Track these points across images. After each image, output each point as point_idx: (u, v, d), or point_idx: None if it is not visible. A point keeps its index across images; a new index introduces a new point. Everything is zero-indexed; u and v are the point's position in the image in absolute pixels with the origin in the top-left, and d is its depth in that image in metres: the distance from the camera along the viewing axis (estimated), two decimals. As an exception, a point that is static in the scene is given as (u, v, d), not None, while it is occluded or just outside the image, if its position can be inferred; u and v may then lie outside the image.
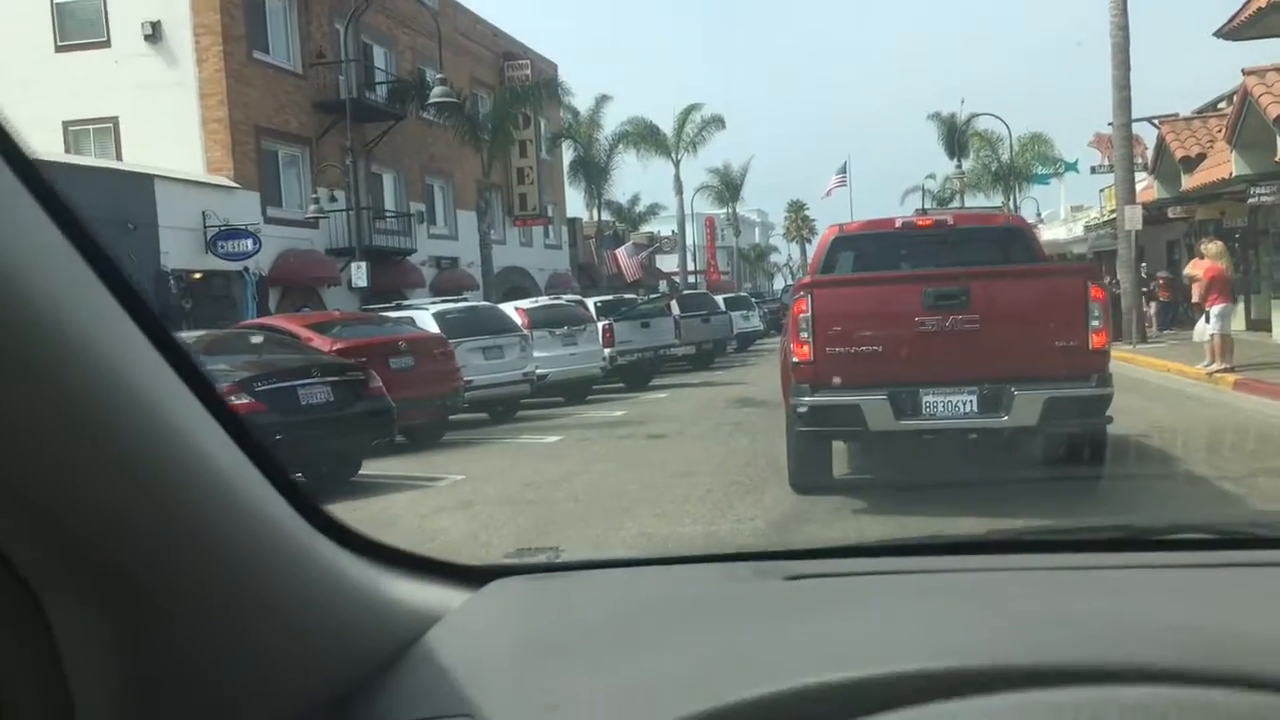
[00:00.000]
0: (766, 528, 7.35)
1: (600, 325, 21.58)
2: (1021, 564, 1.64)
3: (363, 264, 24.27)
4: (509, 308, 20.04)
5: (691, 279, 66.07)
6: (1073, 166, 51.43)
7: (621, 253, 51.72)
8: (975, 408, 7.54)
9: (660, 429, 14.29)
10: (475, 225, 37.57)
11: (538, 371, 18.77)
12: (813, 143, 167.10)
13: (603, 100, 48.70)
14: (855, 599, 1.47)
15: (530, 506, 8.70)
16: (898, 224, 9.66)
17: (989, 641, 1.16)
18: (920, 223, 9.77)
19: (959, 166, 48.13)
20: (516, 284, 38.83)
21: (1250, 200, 20.56)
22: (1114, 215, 33.87)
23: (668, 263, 65.26)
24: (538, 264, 43.32)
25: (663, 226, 69.59)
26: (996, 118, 46.27)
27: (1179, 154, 24.58)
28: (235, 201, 24.09)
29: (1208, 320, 16.10)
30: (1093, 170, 33.42)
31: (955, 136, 53.42)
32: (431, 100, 24.55)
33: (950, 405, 7.59)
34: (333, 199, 27.40)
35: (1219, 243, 16.45)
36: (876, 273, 9.06)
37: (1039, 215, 52.24)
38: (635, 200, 72.38)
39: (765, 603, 1.48)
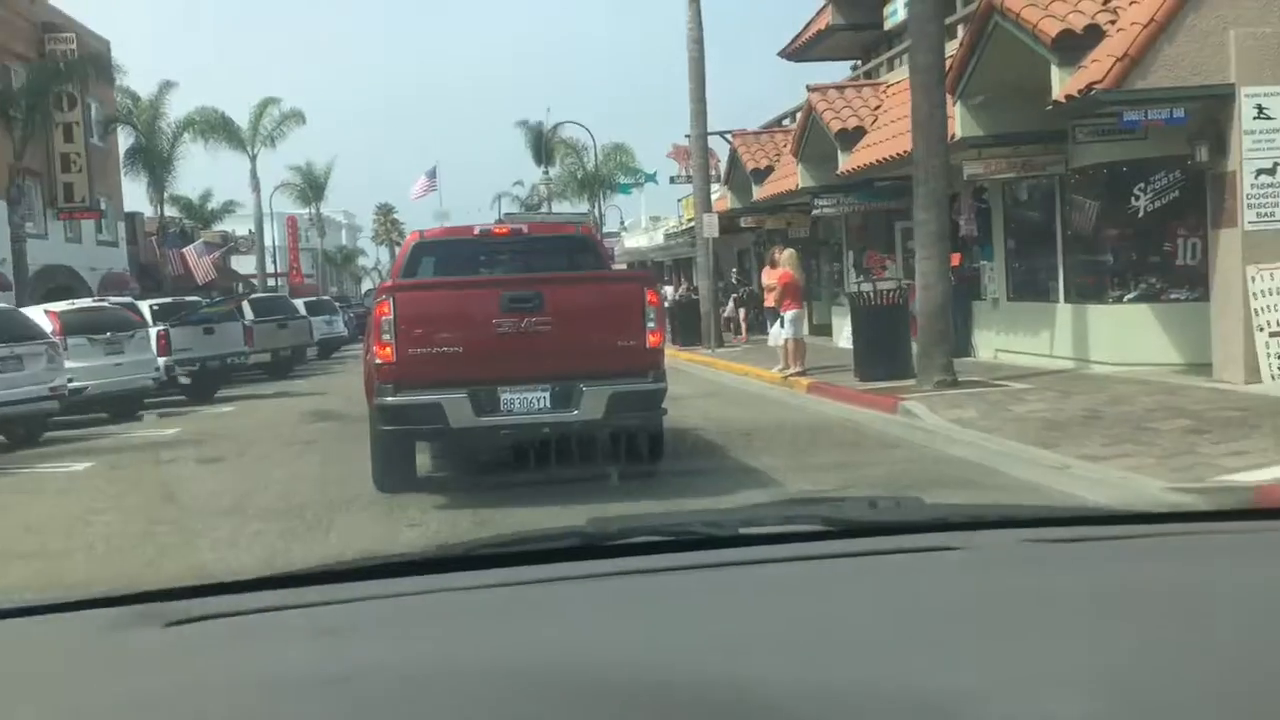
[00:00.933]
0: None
1: (154, 331, 19.04)
2: (469, 582, 1.63)
3: None
4: (37, 311, 17.10)
5: (272, 282, 62.33)
6: (651, 177, 53.48)
7: (190, 252, 47.45)
8: (548, 404, 8.09)
9: (217, 450, 12.46)
10: (4, 216, 32.89)
11: (71, 384, 16.13)
12: (404, 145, 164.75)
13: (167, 86, 44.63)
14: (236, 641, 1.44)
15: (22, 562, 6.82)
16: (476, 231, 10.15)
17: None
18: (498, 231, 10.46)
19: (546, 173, 48.59)
20: (62, 284, 34.19)
21: (814, 212, 21.73)
22: (692, 224, 35.33)
23: (246, 264, 61.05)
24: (88, 262, 38.53)
25: (240, 225, 65.22)
26: (581, 126, 47.19)
27: (750, 166, 25.71)
28: None
29: (782, 325, 16.58)
30: (671, 180, 34.69)
31: (542, 144, 54.04)
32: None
33: (526, 402, 8.08)
34: None
35: (791, 250, 17.04)
36: (456, 277, 9.38)
37: (622, 223, 54.06)
38: (207, 196, 67.42)
39: (133, 656, 1.41)
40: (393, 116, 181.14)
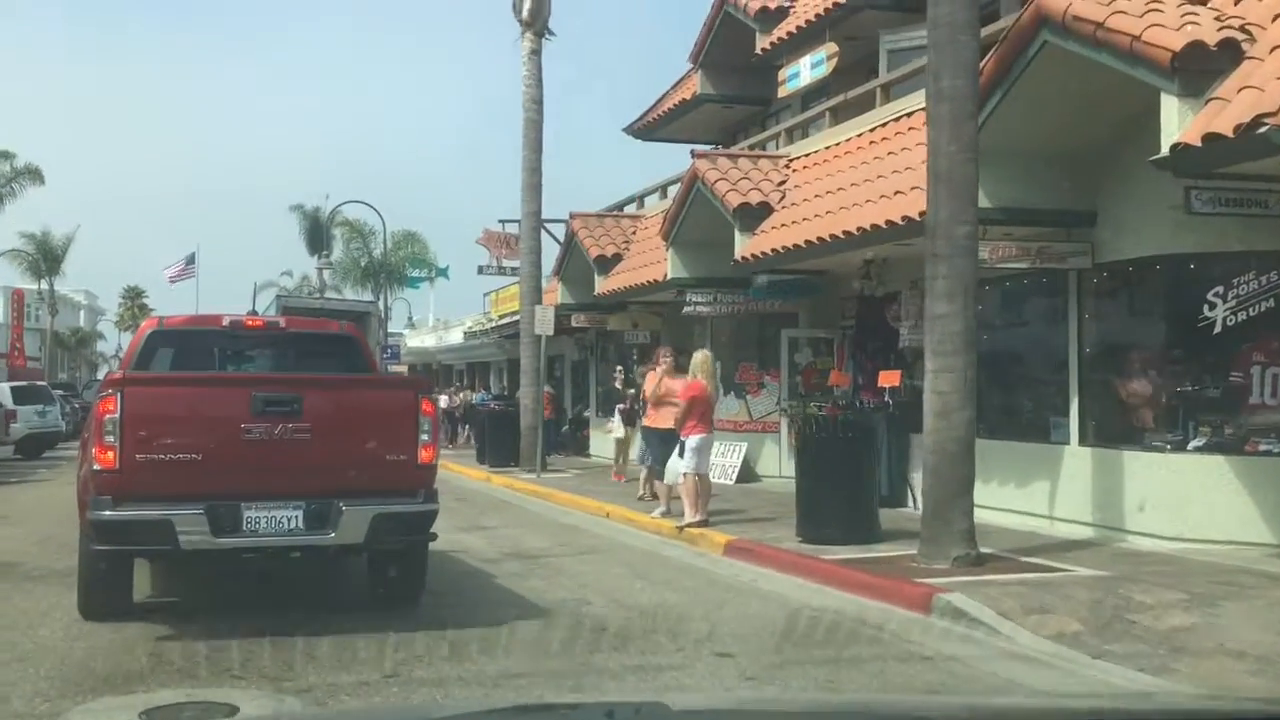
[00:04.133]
0: None
1: None
2: None
3: None
4: None
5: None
6: (444, 272, 48.79)
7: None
8: (301, 524, 7.13)
9: None
10: None
11: None
12: (163, 226, 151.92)
13: None
14: None
15: None
16: (225, 322, 9.04)
17: None
18: (250, 323, 9.41)
19: (326, 255, 42.77)
20: None
21: (686, 309, 17.48)
22: (502, 320, 30.55)
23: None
24: None
25: (-49, 295, 56.01)
26: (369, 206, 41.99)
27: (593, 252, 21.34)
28: None
29: (680, 454, 12.01)
30: (480, 270, 29.97)
31: (320, 230, 48.36)
32: None
33: (274, 521, 7.08)
34: None
35: (705, 353, 12.56)
36: (200, 373, 8.57)
37: (410, 319, 48.65)
38: (-89, 259, 58.15)
39: None
40: (151, 193, 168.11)
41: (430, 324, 49.53)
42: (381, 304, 38.99)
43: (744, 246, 15.09)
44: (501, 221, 30.59)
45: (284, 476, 7.13)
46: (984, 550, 9.09)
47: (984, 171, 9.34)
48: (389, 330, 40.17)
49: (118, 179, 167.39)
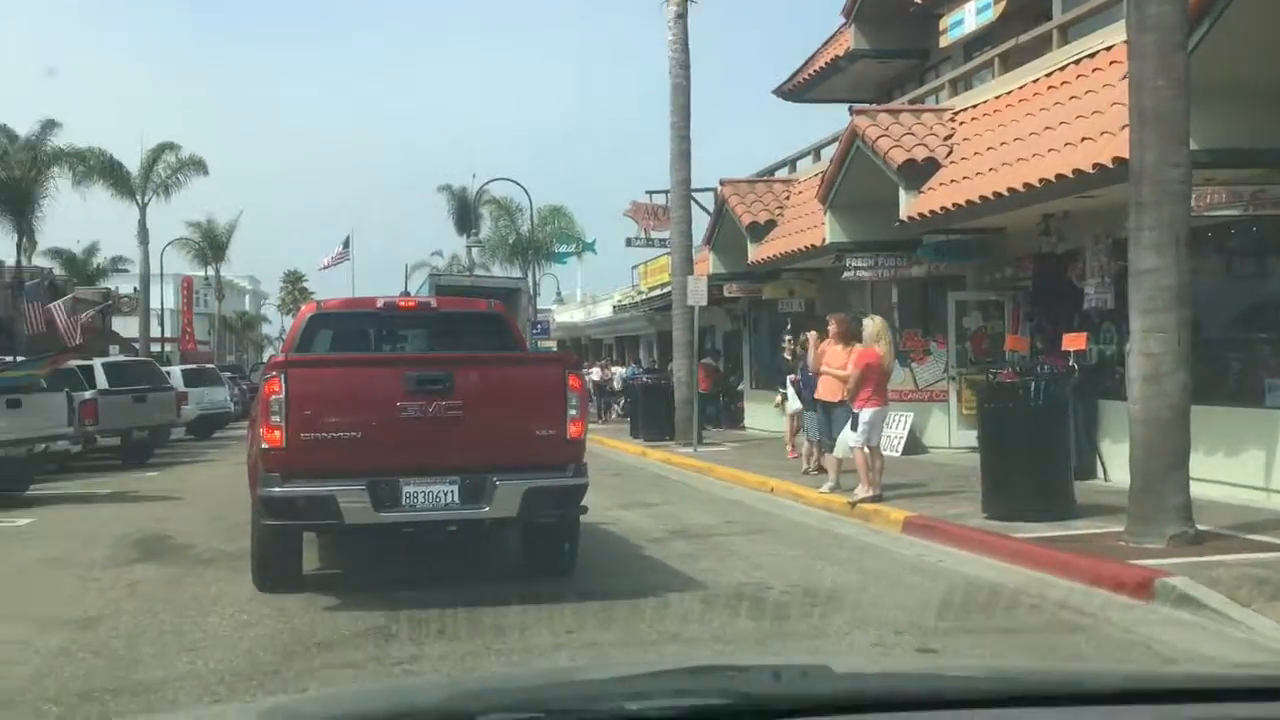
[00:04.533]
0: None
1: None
2: None
3: None
4: None
5: (158, 347, 55.72)
6: (590, 246, 48.66)
7: (57, 308, 40.99)
8: (457, 498, 7.27)
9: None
10: None
11: None
12: (318, 210, 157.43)
13: (50, 125, 38.58)
14: None
15: None
16: (379, 304, 9.35)
17: None
18: (403, 304, 9.76)
19: (475, 233, 43.06)
20: (-117, 339, 27.78)
21: (845, 275, 16.72)
22: (651, 293, 30.21)
23: (132, 327, 54.32)
24: (-77, 314, 32.09)
25: (129, 284, 58.69)
26: (515, 183, 42.08)
27: (746, 220, 20.71)
28: None
29: (853, 426, 11.37)
30: (628, 242, 29.68)
31: (468, 210, 48.86)
32: None
33: (431, 496, 7.24)
34: None
35: (880, 319, 11.86)
36: (358, 354, 8.85)
37: (559, 294, 48.82)
38: (93, 250, 61.01)
39: None
40: (308, 179, 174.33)
41: (578, 299, 49.63)
42: (530, 280, 39.12)
43: (910, 206, 14.26)
44: (649, 193, 30.26)
45: (439, 452, 7.25)
46: (1201, 528, 8.22)
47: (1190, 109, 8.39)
48: (538, 306, 40.34)
49: (275, 167, 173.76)
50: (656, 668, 2.39)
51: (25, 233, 38.20)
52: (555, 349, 35.68)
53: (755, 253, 20.54)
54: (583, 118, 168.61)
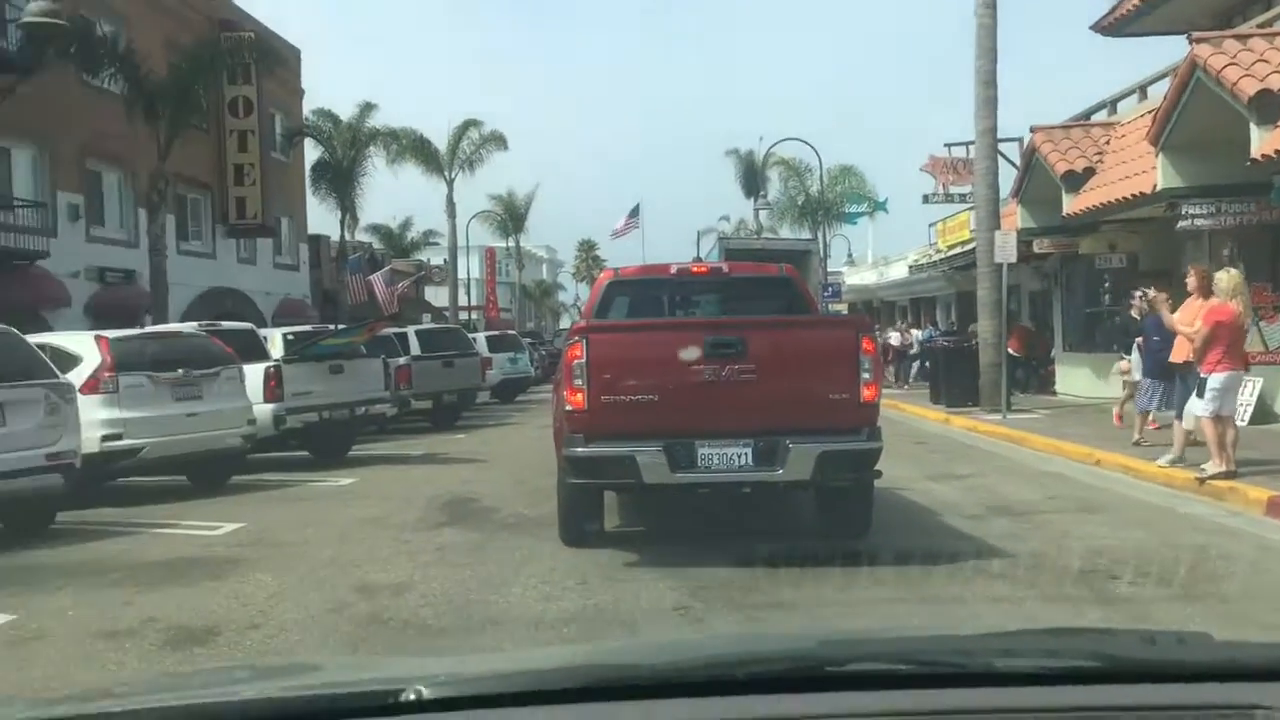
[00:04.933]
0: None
1: (260, 369, 14.03)
2: (677, 714, 1.51)
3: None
4: (79, 337, 12.30)
5: (465, 315, 58.81)
6: (882, 205, 47.04)
7: (377, 279, 43.79)
8: (751, 460, 7.37)
9: (242, 580, 6.96)
10: (172, 231, 29.34)
11: (121, 444, 11.24)
12: (607, 178, 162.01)
13: (368, 108, 41.26)
14: None
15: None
16: (673, 270, 9.66)
17: None
18: (696, 270, 10.02)
19: (764, 195, 42.55)
20: (230, 309, 30.49)
21: (1181, 224, 15.00)
22: (953, 251, 28.71)
23: (441, 296, 57.60)
24: (263, 286, 34.99)
25: (439, 257, 62.27)
26: (805, 143, 41.10)
27: (1061, 168, 19.09)
28: None
29: (1200, 393, 10.06)
30: (925, 199, 28.26)
31: (754, 173, 48.39)
32: (24, 19, 16.51)
33: (726, 458, 7.37)
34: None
35: (1234, 273, 10.45)
36: (652, 319, 9.02)
37: (850, 256, 47.61)
38: (407, 224, 65.11)
39: None
40: (598, 150, 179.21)
41: (869, 260, 48.22)
42: (820, 242, 38.20)
43: (1265, 143, 12.52)
44: (947, 145, 28.69)
45: (733, 415, 7.34)
46: None
47: None
48: (828, 268, 39.38)
49: (566, 137, 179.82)
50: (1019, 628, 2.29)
51: (348, 209, 41.00)
52: (846, 312, 34.72)
53: (1071, 204, 18.90)
54: (869, 71, 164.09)
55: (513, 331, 37.87)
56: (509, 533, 8.85)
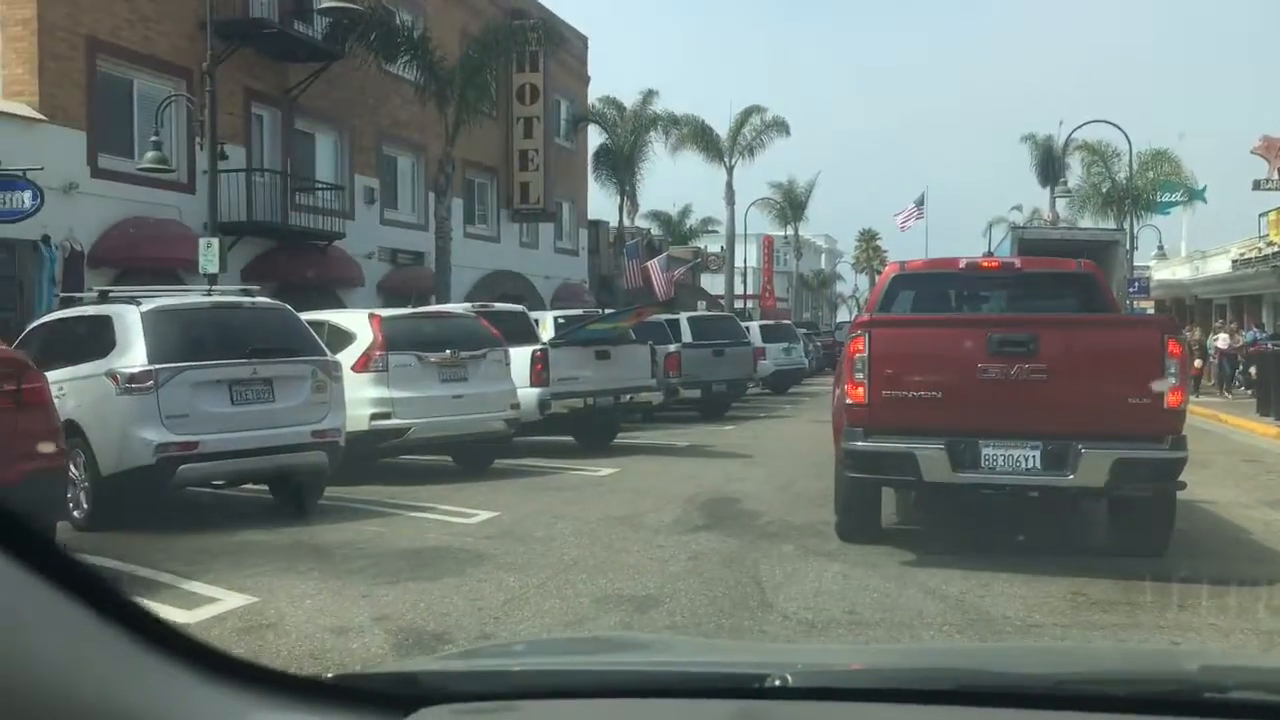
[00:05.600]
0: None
1: (526, 352, 13.83)
2: None
3: (214, 241, 16.75)
4: (354, 315, 12.41)
5: (741, 304, 58.36)
6: (1201, 195, 42.77)
7: (654, 265, 43.95)
8: (1038, 464, 7.04)
9: (483, 572, 6.46)
10: (460, 214, 30.36)
11: (389, 423, 11.26)
12: (891, 168, 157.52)
13: (651, 95, 41.49)
14: None
15: None
16: (961, 264, 9.39)
17: None
18: (985, 264, 9.72)
19: (1065, 185, 39.46)
20: (510, 292, 31.26)
21: None
22: (1287, 245, 25.45)
23: (717, 284, 57.46)
24: (543, 270, 35.73)
25: (716, 244, 62.22)
26: (1114, 125, 37.75)
27: None
28: (41, 140, 16.74)
29: None
30: (1256, 185, 25.10)
31: (1052, 160, 45.18)
32: (324, 4, 17.06)
33: (1011, 460, 7.06)
34: (223, 155, 20.07)
35: None
36: (939, 314, 8.89)
37: (1160, 248, 43.61)
38: (686, 212, 65.42)
39: None
40: (880, 136, 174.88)
41: (1182, 253, 44.03)
42: (1127, 233, 35.04)
43: None
44: (1286, 123, 25.34)
45: (1021, 416, 7.09)
46: None
47: None
48: (1133, 262, 36.12)
49: (846, 122, 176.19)
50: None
51: (627, 195, 41.28)
52: (1152, 310, 31.66)
53: None
54: (1196, 41, 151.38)
55: (788, 321, 36.93)
56: (770, 543, 8.02)
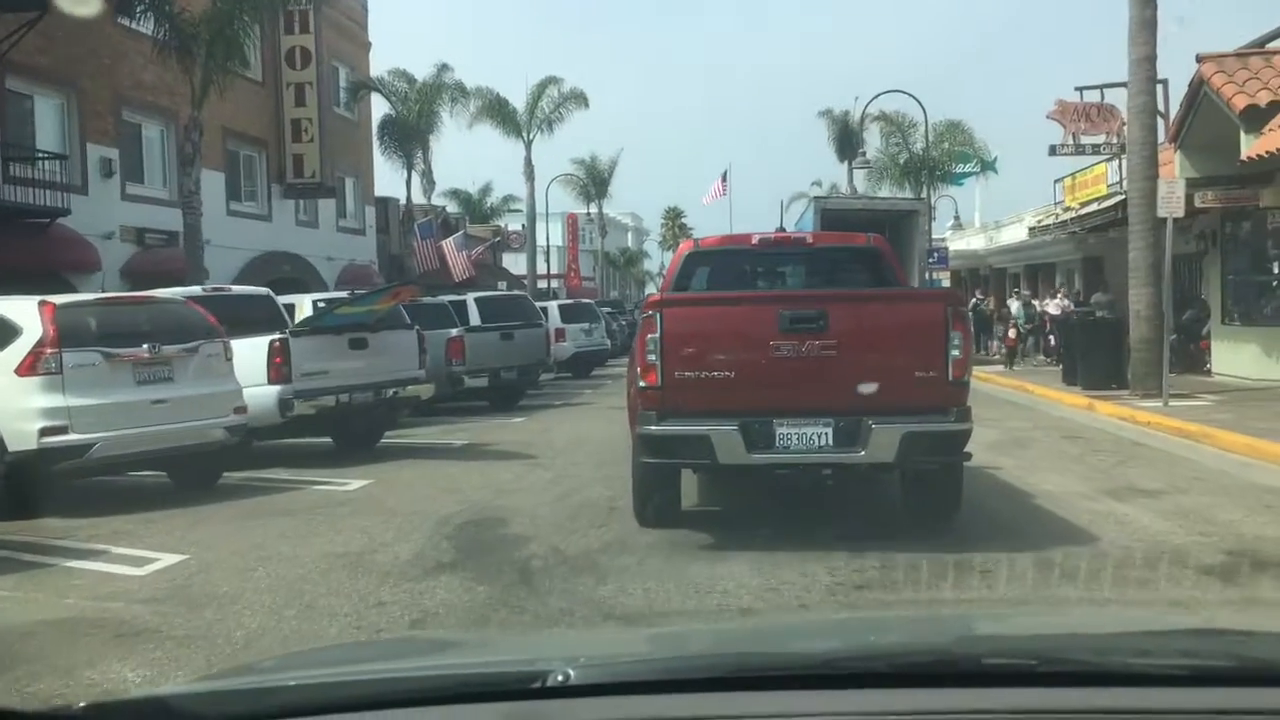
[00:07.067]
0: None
1: (259, 344, 11.55)
2: (807, 707, 1.51)
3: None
4: (19, 303, 9.83)
5: (544, 284, 56.44)
6: (992, 165, 43.37)
7: (449, 245, 41.53)
8: (831, 441, 7.08)
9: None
10: (221, 189, 27.31)
11: (71, 439, 8.94)
12: (694, 143, 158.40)
13: (444, 70, 38.86)
14: None
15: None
16: (755, 240, 9.34)
17: None
18: (778, 239, 9.67)
19: (862, 155, 39.07)
20: (288, 275, 28.42)
21: None
22: (1087, 209, 25.23)
23: (521, 263, 55.31)
24: (325, 251, 32.81)
25: (519, 223, 60.03)
26: (908, 95, 37.60)
27: (1239, 104, 15.72)
28: None
29: None
30: (1052, 151, 24.81)
31: (850, 135, 45.08)
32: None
33: (805, 438, 7.10)
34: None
35: None
36: (731, 291, 8.79)
37: (956, 218, 43.98)
38: (487, 190, 63.10)
39: None
40: (681, 114, 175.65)
41: (977, 224, 44.58)
42: (929, 202, 34.77)
43: None
44: (1079, 89, 25.16)
45: (813, 393, 7.06)
46: None
47: None
48: (931, 234, 35.99)
49: (649, 102, 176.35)
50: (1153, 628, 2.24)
51: (414, 169, 38.66)
52: (947, 282, 31.37)
53: (1254, 147, 15.51)
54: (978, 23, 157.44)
55: (588, 300, 35.19)
56: (528, 589, 6.14)
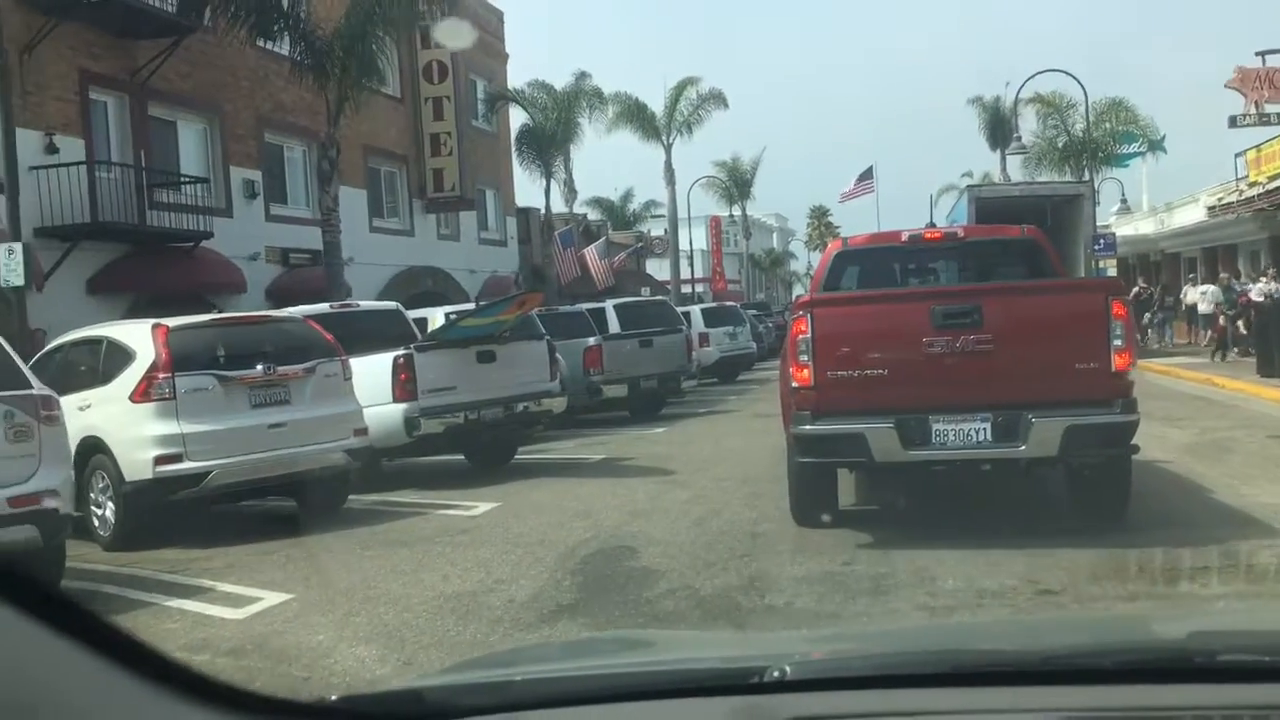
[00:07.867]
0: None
1: (383, 360, 11.06)
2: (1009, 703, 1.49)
3: (16, 246, 13.72)
4: (135, 327, 9.50)
5: (688, 288, 55.71)
6: (1160, 144, 40.56)
7: (591, 252, 41.28)
8: (989, 436, 6.98)
9: None
10: (364, 207, 27.49)
11: (187, 467, 8.57)
12: (840, 143, 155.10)
13: (583, 77, 38.54)
14: None
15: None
16: (905, 237, 9.17)
17: None
18: (929, 236, 9.57)
19: (1018, 140, 36.98)
20: (430, 290, 28.43)
21: None
22: (1272, 182, 23.08)
23: (665, 269, 54.75)
24: (467, 263, 32.78)
25: (662, 228, 59.53)
26: (1066, 74, 35.32)
27: None
28: None
29: None
30: (1232, 122, 22.76)
31: (1002, 121, 42.96)
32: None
33: (962, 434, 7.00)
34: (51, 148, 17.19)
35: None
36: (882, 290, 8.76)
37: (1124, 201, 41.34)
38: (629, 196, 62.74)
39: None
40: (826, 111, 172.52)
41: (1144, 207, 41.86)
42: (1090, 185, 32.62)
43: None
44: (1259, 54, 23.03)
45: (969, 388, 6.97)
46: None
47: None
48: (1096, 220, 33.79)
49: (794, 100, 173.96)
50: None
51: (553, 177, 38.41)
52: (1112, 271, 29.23)
53: None
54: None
55: (731, 303, 34.23)
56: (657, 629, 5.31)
